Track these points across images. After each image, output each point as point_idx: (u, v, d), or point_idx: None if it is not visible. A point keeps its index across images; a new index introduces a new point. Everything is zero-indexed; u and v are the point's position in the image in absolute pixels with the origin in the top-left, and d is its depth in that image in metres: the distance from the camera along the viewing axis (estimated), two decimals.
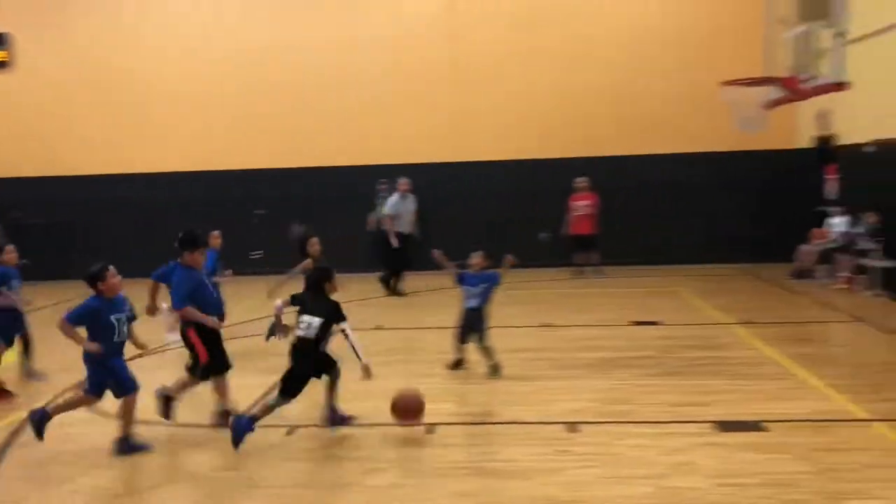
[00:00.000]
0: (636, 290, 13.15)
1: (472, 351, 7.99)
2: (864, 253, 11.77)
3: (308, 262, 8.53)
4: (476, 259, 8.02)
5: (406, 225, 13.44)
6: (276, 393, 6.19)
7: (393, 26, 15.87)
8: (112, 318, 5.96)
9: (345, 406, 6.44)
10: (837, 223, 12.74)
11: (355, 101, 15.99)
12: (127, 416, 6.03)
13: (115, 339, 6.00)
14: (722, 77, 10.54)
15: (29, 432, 6.17)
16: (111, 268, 6.05)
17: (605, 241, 14.62)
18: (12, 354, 8.08)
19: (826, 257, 12.78)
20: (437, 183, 15.31)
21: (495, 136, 15.78)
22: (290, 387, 6.10)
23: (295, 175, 16.15)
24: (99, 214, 16.41)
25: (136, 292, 6.88)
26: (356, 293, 11.91)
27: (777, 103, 9.21)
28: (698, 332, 9.65)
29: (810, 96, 8.98)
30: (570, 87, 15.55)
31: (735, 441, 5.83)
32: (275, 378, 6.33)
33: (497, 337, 8.84)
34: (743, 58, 12.36)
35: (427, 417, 6.55)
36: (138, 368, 6.46)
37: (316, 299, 6.30)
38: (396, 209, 13.46)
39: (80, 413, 6.51)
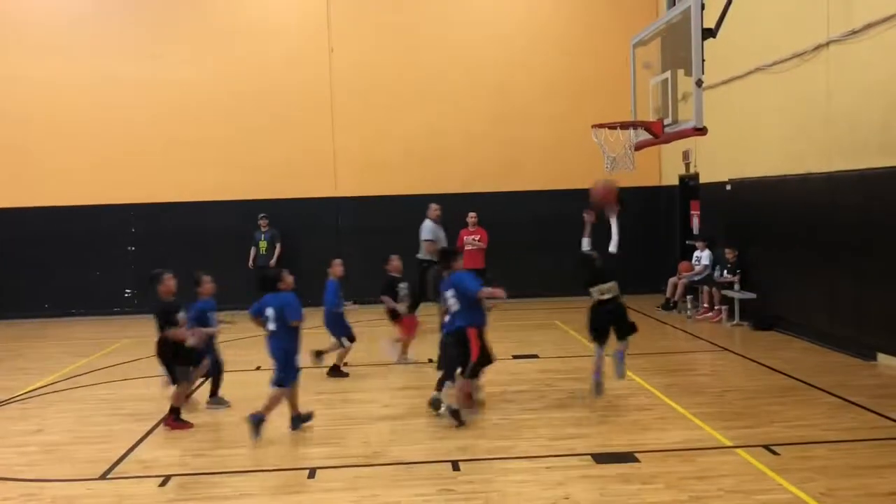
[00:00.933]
0: (517, 322, 13.44)
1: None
2: (724, 285, 12.52)
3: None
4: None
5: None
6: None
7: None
8: None
9: (227, 451, 6.22)
10: (701, 257, 13.49)
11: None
12: (293, 399, 7.31)
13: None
14: (596, 120, 11.08)
15: None
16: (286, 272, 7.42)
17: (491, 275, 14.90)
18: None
19: (691, 289, 13.50)
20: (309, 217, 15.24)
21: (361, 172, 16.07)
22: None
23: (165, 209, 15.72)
24: None
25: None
26: None
27: (643, 145, 9.72)
28: (575, 364, 9.92)
29: (672, 140, 9.52)
30: (455, 131, 15.99)
31: (610, 473, 6.02)
32: None
33: (379, 375, 8.84)
34: (615, 103, 13.04)
35: (307, 461, 6.47)
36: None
37: None
38: (435, 235, 12.45)
39: None
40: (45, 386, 9.70)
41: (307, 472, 6.26)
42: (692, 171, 14.72)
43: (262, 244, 15.32)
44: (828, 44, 10.13)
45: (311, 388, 8.94)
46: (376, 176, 16.01)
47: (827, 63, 10.22)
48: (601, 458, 6.34)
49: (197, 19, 15.80)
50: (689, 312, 13.30)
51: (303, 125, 15.88)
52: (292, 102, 15.83)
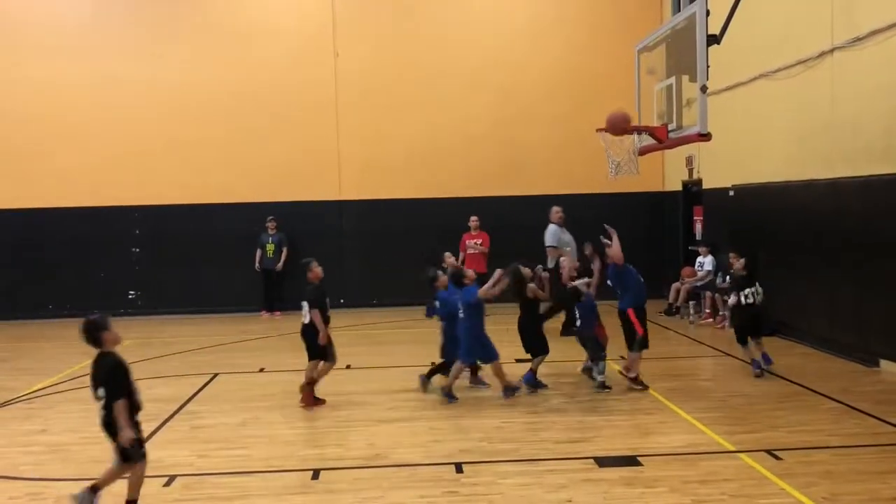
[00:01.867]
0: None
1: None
2: (727, 290, 12.48)
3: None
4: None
5: (572, 258, 11.41)
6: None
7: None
8: None
9: (230, 453, 6.23)
10: (704, 262, 13.49)
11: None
12: (500, 375, 8.42)
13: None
14: (599, 125, 11.08)
15: None
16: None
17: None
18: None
19: (694, 295, 13.50)
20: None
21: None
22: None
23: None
24: None
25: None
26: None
27: (647, 150, 9.74)
28: (578, 367, 9.93)
29: (676, 145, 9.55)
30: (458, 135, 16.03)
31: (613, 476, 6.04)
32: None
33: (383, 377, 8.86)
34: (619, 108, 13.01)
35: (311, 462, 6.50)
36: None
37: None
38: (558, 239, 12.13)
39: None
40: (50, 386, 9.74)
41: (311, 472, 6.29)
42: (695, 176, 14.74)
43: (269, 247, 15.38)
44: (832, 50, 10.16)
45: (315, 391, 8.99)
46: (380, 179, 16.02)
47: (831, 70, 10.25)
48: (604, 462, 6.35)
49: (201, 21, 15.84)
50: (691, 318, 13.32)
51: (307, 128, 15.92)
52: (297, 105, 15.87)
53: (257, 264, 15.40)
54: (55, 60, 15.50)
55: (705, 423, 7.34)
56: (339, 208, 16.04)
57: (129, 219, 15.77)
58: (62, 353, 12.11)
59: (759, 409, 7.90)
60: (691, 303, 13.52)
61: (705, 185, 14.35)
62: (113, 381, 5.33)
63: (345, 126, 16.00)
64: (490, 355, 8.50)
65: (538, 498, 5.66)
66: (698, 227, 14.79)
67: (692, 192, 15.06)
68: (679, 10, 9.18)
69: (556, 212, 12.33)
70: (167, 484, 6.12)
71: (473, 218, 14.41)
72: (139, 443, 5.41)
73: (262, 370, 10.39)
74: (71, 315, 15.42)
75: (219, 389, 9.35)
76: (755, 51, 11.99)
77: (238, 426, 7.71)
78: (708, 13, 8.35)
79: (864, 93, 9.62)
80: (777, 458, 6.34)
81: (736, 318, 9.85)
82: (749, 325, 9.43)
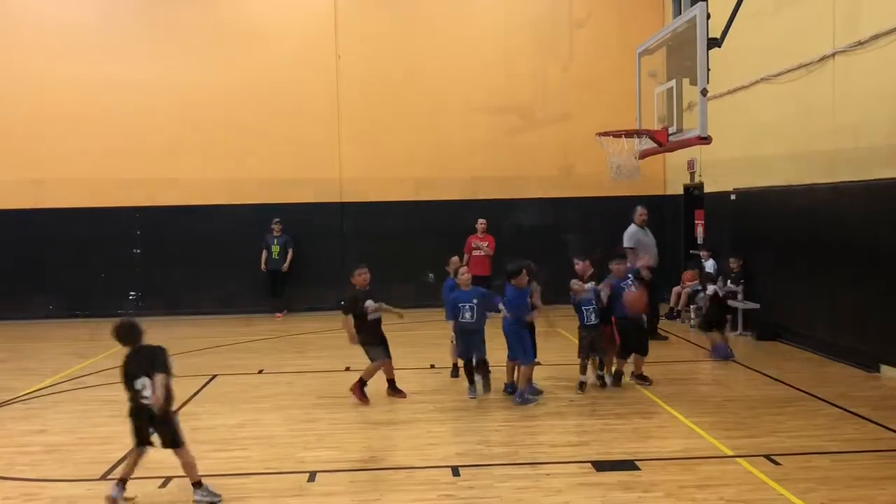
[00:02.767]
0: None
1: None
2: (728, 295, 12.46)
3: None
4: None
5: (652, 259, 11.53)
6: None
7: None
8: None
9: (227, 454, 6.23)
10: (706, 265, 13.43)
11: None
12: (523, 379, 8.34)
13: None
14: (602, 128, 11.07)
15: None
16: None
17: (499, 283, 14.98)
18: None
19: (695, 299, 13.45)
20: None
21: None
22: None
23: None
24: None
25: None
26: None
27: (648, 154, 9.73)
28: (576, 372, 9.89)
29: (677, 148, 9.54)
30: (460, 138, 16.03)
31: (610, 480, 6.02)
32: None
33: (380, 379, 8.84)
34: (621, 111, 13.05)
35: (308, 465, 6.50)
36: None
37: None
38: (636, 240, 11.80)
39: None
40: (49, 386, 9.74)
41: (307, 475, 6.27)
42: (697, 180, 14.72)
43: (275, 248, 15.40)
44: (834, 55, 10.14)
45: (313, 392, 9.01)
46: (381, 181, 16.01)
47: (833, 74, 10.23)
48: (602, 466, 6.33)
49: (204, 23, 15.87)
50: (692, 322, 13.28)
51: (309, 130, 15.93)
52: (299, 107, 15.88)
53: (263, 266, 15.41)
54: (57, 61, 15.54)
55: (703, 428, 7.32)
56: (340, 210, 16.05)
57: (130, 219, 15.79)
58: (62, 353, 12.15)
59: (758, 413, 7.88)
60: (692, 307, 13.48)
61: (707, 189, 14.33)
62: (161, 364, 5.68)
63: (346, 128, 16.02)
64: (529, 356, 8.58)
65: (535, 501, 5.64)
66: (700, 231, 14.76)
67: (694, 195, 15.04)
68: (680, 13, 9.16)
69: (640, 213, 12.06)
70: (163, 485, 6.11)
71: (481, 221, 14.40)
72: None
73: (261, 371, 10.38)
74: (70, 315, 15.53)
75: (217, 391, 9.34)
76: (757, 54, 11.97)
77: (235, 427, 7.70)
78: (709, 16, 8.35)
79: (865, 97, 9.60)
80: (775, 463, 6.31)
81: (707, 308, 10.94)
82: (716, 316, 10.42)
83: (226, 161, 15.80)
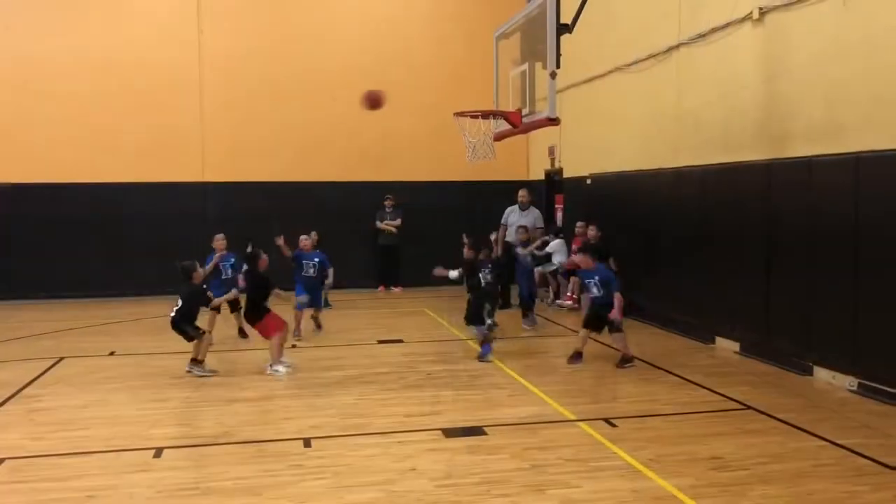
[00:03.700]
0: (387, 311, 13.58)
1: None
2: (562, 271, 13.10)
3: None
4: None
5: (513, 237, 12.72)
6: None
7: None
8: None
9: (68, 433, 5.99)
10: (553, 245, 13.90)
11: None
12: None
13: None
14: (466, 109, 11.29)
15: None
16: None
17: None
18: None
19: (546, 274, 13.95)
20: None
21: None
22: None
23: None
24: None
25: None
26: None
27: (503, 136, 10.01)
28: (437, 348, 10.13)
29: (529, 130, 9.86)
30: (329, 119, 15.93)
31: (457, 445, 6.22)
32: None
33: (239, 359, 8.73)
34: (485, 93, 13.32)
35: (155, 441, 6.35)
36: None
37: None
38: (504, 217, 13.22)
39: None
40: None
41: (154, 451, 6.13)
42: (557, 166, 15.26)
43: None
44: (678, 46, 10.76)
45: (167, 374, 8.77)
46: (247, 161, 15.70)
47: (677, 64, 10.86)
48: (451, 433, 6.52)
49: None
50: (549, 300, 13.80)
51: (168, 106, 15.37)
52: (157, 82, 15.29)
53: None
54: None
55: (551, 396, 7.66)
56: (202, 191, 15.59)
57: None
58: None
59: (603, 382, 8.34)
60: (550, 286, 13.99)
61: (566, 174, 14.89)
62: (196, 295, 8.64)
63: (209, 106, 15.57)
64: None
65: (383, 467, 5.75)
66: (559, 216, 15.32)
67: (554, 181, 15.58)
68: None
69: (520, 195, 13.22)
70: None
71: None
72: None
73: (112, 353, 10.00)
74: None
75: (63, 373, 8.93)
76: (611, 45, 12.53)
77: (80, 408, 7.41)
78: (558, 1, 8.65)
79: (705, 87, 10.25)
80: (612, 425, 6.70)
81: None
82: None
83: (80, 136, 14.99)
